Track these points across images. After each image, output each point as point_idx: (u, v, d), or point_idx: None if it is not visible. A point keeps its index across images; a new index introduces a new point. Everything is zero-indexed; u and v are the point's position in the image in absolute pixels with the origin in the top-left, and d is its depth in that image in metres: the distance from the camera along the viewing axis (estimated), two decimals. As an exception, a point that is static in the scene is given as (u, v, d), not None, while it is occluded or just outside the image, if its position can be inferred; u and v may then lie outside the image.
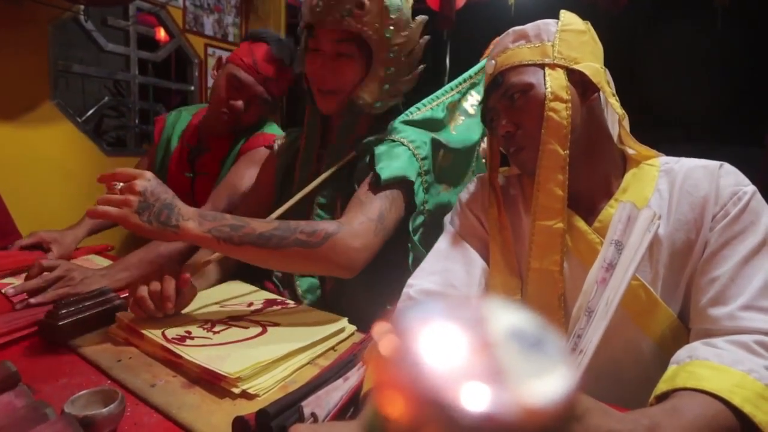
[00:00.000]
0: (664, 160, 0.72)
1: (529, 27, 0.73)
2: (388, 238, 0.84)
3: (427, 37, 0.92)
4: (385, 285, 0.86)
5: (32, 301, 0.83)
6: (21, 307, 0.82)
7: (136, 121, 2.16)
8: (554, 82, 0.68)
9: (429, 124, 0.97)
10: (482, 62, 1.09)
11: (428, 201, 0.93)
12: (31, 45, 1.68)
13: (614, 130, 0.77)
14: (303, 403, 0.53)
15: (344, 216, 0.83)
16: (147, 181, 0.69)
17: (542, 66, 0.69)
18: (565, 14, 0.73)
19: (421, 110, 0.98)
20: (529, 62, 0.70)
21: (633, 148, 0.75)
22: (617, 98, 0.71)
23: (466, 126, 1.05)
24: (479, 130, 1.06)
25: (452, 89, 1.05)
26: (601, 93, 0.70)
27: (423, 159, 0.89)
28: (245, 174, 1.20)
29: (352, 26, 0.83)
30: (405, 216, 0.89)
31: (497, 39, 0.78)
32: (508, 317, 0.11)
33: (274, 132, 1.34)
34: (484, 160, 1.08)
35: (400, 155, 0.87)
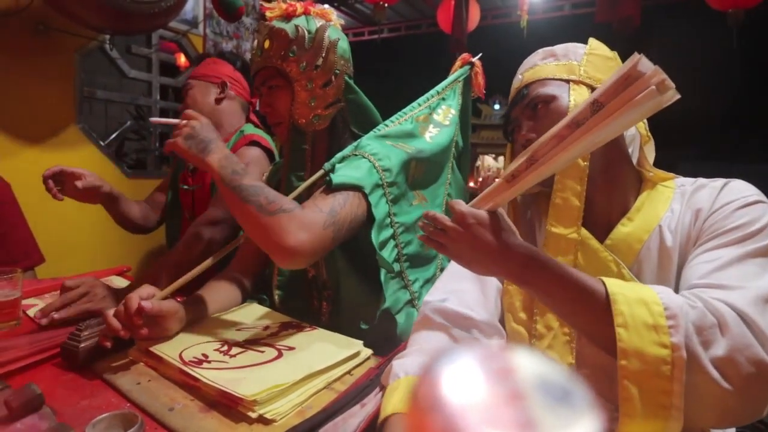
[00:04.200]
0: (680, 182, 0.72)
1: (559, 47, 0.76)
2: (342, 236, 0.84)
3: (334, 37, 0.97)
4: (373, 298, 0.93)
5: (55, 316, 0.86)
6: (45, 323, 0.85)
7: (157, 144, 2.22)
8: (578, 97, 0.70)
9: (401, 136, 0.99)
10: (450, 78, 1.13)
11: (397, 214, 0.93)
12: (58, 72, 1.75)
13: (634, 153, 0.78)
14: (320, 430, 0.53)
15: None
16: (199, 122, 0.84)
17: (567, 81, 0.72)
18: (593, 41, 0.76)
19: (389, 126, 1.00)
20: (555, 77, 0.73)
21: (650, 171, 0.75)
22: (645, 121, 0.71)
23: (441, 134, 1.08)
24: (450, 135, 1.10)
25: (419, 105, 1.08)
26: None
27: (385, 170, 0.90)
28: None
29: (268, 62, 0.97)
30: (367, 227, 0.88)
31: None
32: (536, 368, 0.12)
33: (252, 131, 1.37)
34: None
35: (359, 167, 0.88)
